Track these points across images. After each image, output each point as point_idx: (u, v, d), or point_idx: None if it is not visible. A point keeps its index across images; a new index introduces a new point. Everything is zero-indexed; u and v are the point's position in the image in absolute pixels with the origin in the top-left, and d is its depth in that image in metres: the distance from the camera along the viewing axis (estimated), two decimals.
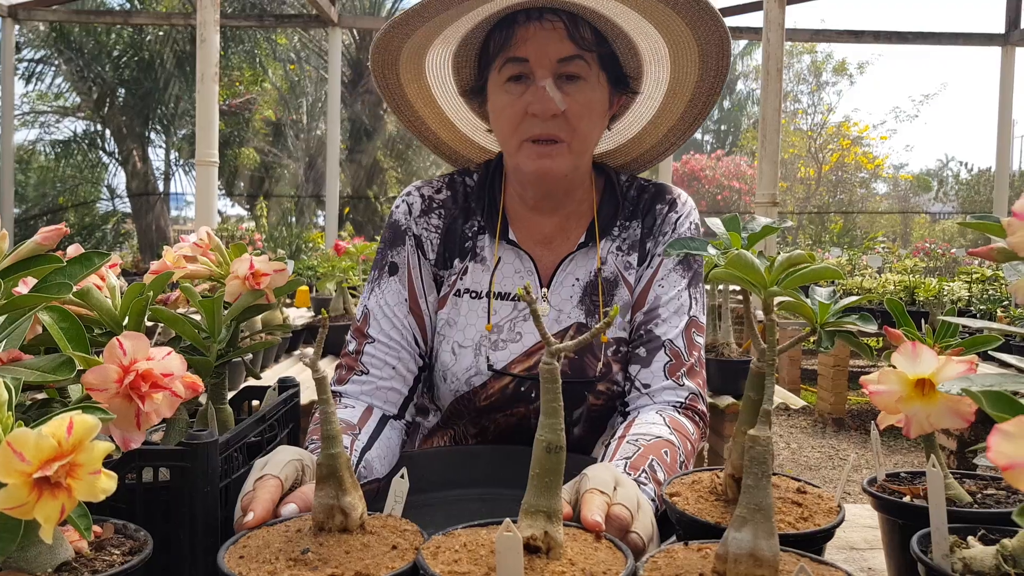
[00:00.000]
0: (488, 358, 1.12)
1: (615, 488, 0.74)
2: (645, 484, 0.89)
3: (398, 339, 1.13)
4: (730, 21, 7.49)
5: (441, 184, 1.21)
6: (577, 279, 1.15)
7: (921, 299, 4.42)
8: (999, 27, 7.52)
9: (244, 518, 0.69)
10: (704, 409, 1.10)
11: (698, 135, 25.98)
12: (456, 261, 1.17)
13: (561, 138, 1.06)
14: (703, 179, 16.61)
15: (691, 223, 1.18)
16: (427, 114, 1.23)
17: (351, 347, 1.14)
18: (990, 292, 4.06)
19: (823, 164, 14.62)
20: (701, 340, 1.13)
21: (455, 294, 1.16)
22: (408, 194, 1.21)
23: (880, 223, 15.12)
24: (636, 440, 0.97)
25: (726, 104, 24.58)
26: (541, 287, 1.15)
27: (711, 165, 16.87)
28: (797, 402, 2.70)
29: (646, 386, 1.09)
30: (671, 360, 1.09)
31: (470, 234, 1.18)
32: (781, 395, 2.73)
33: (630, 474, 0.90)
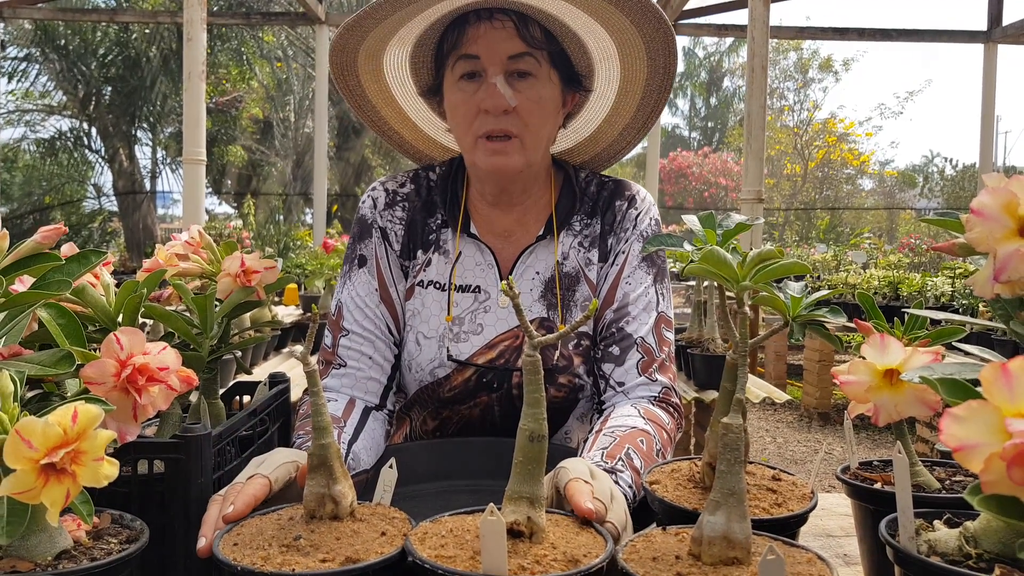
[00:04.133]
0: (449, 350, 1.15)
1: (591, 479, 0.76)
2: (622, 471, 0.91)
3: (372, 329, 1.16)
4: (715, 19, 7.54)
5: (405, 179, 1.25)
6: (537, 272, 1.18)
7: (905, 294, 4.48)
8: (981, 24, 7.61)
9: (225, 509, 0.70)
10: (677, 401, 1.13)
11: (685, 132, 26.03)
12: (420, 252, 1.20)
13: (513, 133, 1.09)
14: (690, 176, 16.68)
15: (651, 219, 1.21)
16: (389, 115, 1.26)
17: (327, 341, 1.16)
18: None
19: (809, 161, 14.72)
20: (670, 335, 1.16)
21: (419, 285, 1.19)
22: (373, 189, 1.24)
23: (866, 219, 15.24)
24: (612, 432, 0.99)
25: (713, 101, 24.66)
26: (501, 279, 1.17)
27: (698, 162, 16.95)
28: (781, 396, 2.74)
29: (620, 384, 1.12)
30: (643, 357, 1.12)
31: (434, 227, 1.21)
32: (765, 389, 2.77)
33: (607, 462, 0.92)
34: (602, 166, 1.30)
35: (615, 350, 1.13)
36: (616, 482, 0.87)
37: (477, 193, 1.20)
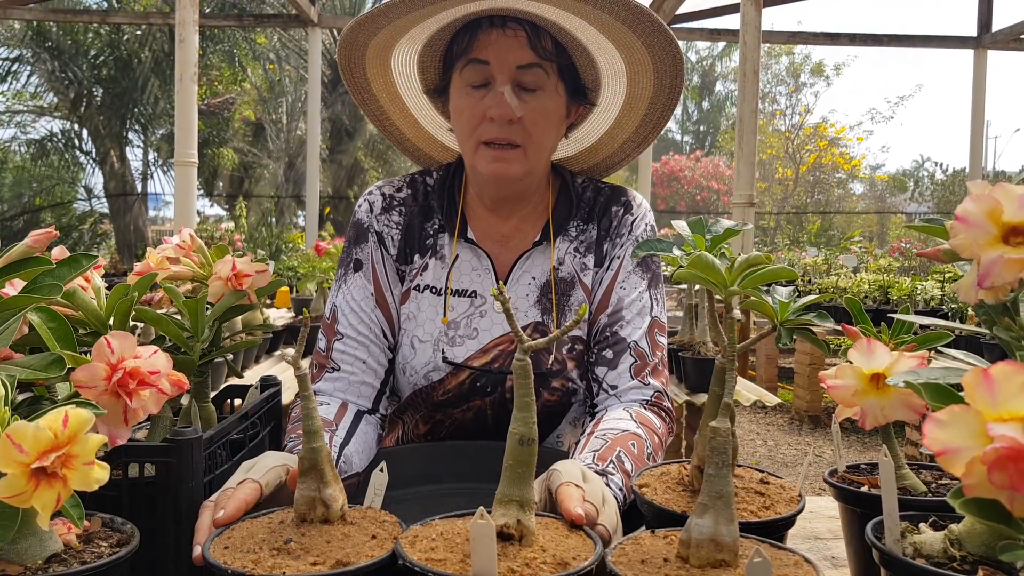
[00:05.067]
0: (444, 352, 1.15)
1: (584, 481, 0.77)
2: (613, 474, 0.92)
3: (366, 333, 1.16)
4: (707, 23, 7.57)
5: (402, 183, 1.25)
6: (534, 278, 1.18)
7: (895, 298, 4.51)
8: (972, 30, 7.67)
9: (216, 514, 0.70)
10: (669, 406, 1.14)
11: (677, 136, 26.11)
12: (416, 257, 1.20)
13: (516, 143, 1.10)
14: (682, 179, 16.75)
15: (647, 225, 1.22)
16: (392, 110, 1.26)
17: (321, 344, 1.17)
18: None
19: (801, 165, 14.79)
20: (663, 340, 1.17)
21: (415, 289, 1.19)
22: (370, 193, 1.25)
23: (857, 223, 15.31)
24: (604, 435, 1.00)
25: (705, 105, 24.76)
26: (497, 283, 1.18)
27: (690, 166, 17.03)
28: (772, 399, 2.75)
29: (613, 387, 1.13)
30: (636, 361, 1.13)
31: (431, 231, 1.21)
32: (756, 392, 2.78)
33: (598, 464, 0.93)
34: (600, 175, 1.31)
35: (608, 354, 1.14)
36: (607, 484, 0.87)
37: (475, 198, 1.21)
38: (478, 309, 1.17)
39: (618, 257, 1.19)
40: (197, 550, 0.68)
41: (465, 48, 1.10)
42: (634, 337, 1.14)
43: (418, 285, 1.19)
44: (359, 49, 1.14)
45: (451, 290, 1.18)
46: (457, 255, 1.19)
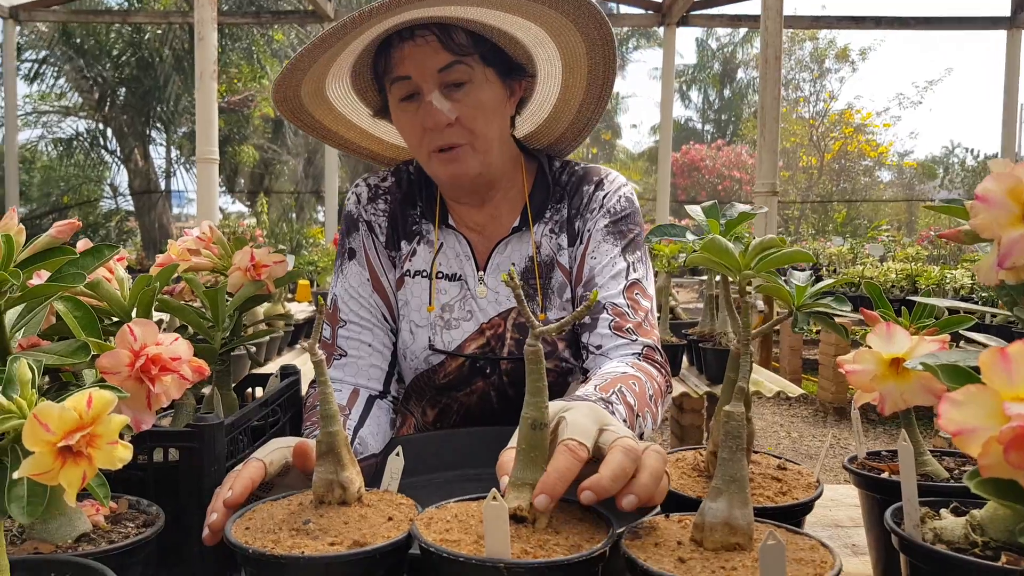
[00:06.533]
0: (431, 339, 1.17)
1: (600, 432, 0.70)
2: (616, 403, 0.91)
3: (368, 317, 1.18)
4: (728, 9, 7.48)
5: (387, 173, 1.28)
6: (513, 264, 1.19)
7: (923, 287, 4.43)
8: (1005, 10, 7.48)
9: (226, 495, 0.72)
10: (662, 359, 1.12)
11: (698, 124, 25.81)
12: (403, 243, 1.23)
13: (462, 142, 1.10)
14: (703, 169, 16.59)
15: (620, 196, 1.21)
16: (355, 137, 1.29)
17: (326, 334, 1.19)
18: None
19: (826, 152, 14.59)
20: (647, 303, 1.15)
21: (407, 275, 1.21)
22: (356, 186, 1.28)
23: (884, 211, 15.08)
24: (603, 375, 0.99)
25: (726, 93, 24.47)
26: (478, 270, 1.20)
27: (711, 155, 16.85)
28: (795, 390, 2.74)
29: (598, 347, 1.12)
30: (615, 319, 1.12)
31: (416, 218, 1.24)
32: (779, 383, 2.77)
33: (601, 394, 0.92)
34: (569, 149, 1.31)
35: (587, 318, 1.13)
36: (611, 413, 0.87)
37: (446, 194, 1.23)
38: (469, 292, 1.19)
39: (588, 231, 1.19)
40: (205, 532, 0.70)
41: (386, 69, 1.11)
42: (610, 298, 1.13)
43: (409, 271, 1.21)
44: (293, 101, 1.16)
45: (441, 275, 1.20)
46: (441, 243, 1.21)
